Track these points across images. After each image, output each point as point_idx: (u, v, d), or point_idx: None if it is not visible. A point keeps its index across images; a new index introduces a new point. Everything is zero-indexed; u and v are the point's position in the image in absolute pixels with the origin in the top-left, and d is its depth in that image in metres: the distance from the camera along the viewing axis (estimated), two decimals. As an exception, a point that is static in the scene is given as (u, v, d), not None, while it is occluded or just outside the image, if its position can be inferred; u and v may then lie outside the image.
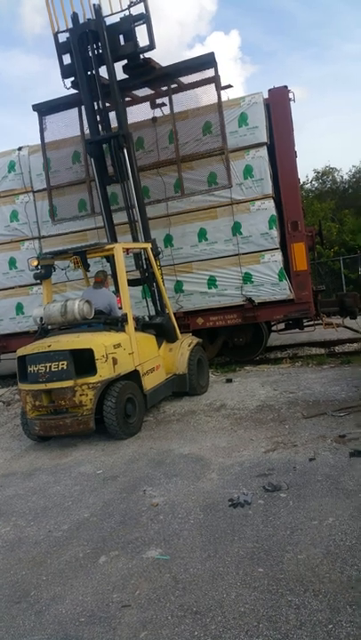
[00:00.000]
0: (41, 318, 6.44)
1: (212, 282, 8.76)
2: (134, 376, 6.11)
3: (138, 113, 8.80)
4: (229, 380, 7.84)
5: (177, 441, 5.46)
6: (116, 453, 5.36)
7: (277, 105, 8.43)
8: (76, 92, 7.86)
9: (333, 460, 4.37)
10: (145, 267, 7.27)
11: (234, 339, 9.21)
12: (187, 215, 8.77)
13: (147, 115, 8.82)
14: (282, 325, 9.69)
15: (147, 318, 7.25)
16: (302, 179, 19.12)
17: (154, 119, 8.75)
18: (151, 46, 7.35)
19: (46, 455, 5.69)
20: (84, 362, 5.59)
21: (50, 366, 5.58)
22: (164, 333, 7.15)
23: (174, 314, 8.42)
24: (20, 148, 9.50)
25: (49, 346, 5.72)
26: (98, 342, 5.64)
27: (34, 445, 6.15)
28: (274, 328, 9.79)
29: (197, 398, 7.04)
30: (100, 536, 3.67)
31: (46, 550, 3.61)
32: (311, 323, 9.36)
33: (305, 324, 9.29)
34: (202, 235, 8.73)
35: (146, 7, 7.23)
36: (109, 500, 4.26)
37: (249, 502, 3.83)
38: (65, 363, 5.54)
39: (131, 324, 6.17)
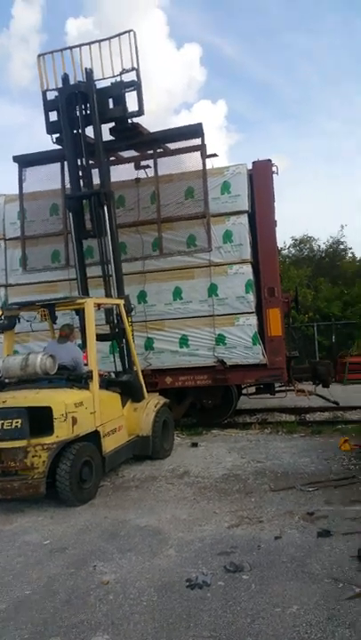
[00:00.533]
0: None
1: (183, 341, 8.66)
2: (94, 437, 5.79)
3: (121, 172, 9.02)
4: (195, 444, 7.59)
5: (134, 510, 5.12)
6: (67, 522, 4.96)
7: (260, 176, 8.73)
8: (59, 147, 7.98)
9: (300, 539, 4.14)
10: (116, 322, 7.13)
11: (202, 400, 9.02)
12: (163, 273, 8.80)
13: (130, 174, 9.04)
14: (253, 389, 9.55)
15: (113, 375, 7.04)
16: (280, 244, 19.75)
17: (137, 180, 8.94)
18: (140, 112, 7.61)
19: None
20: (40, 420, 5.28)
21: (2, 424, 5.24)
22: (130, 392, 6.91)
23: (142, 371, 8.25)
24: None
25: (4, 402, 5.44)
26: (58, 400, 5.38)
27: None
28: (244, 391, 9.65)
29: (160, 463, 6.74)
30: (42, 618, 3.29)
31: (-22, 635, 3.20)
32: (283, 388, 9.26)
33: (276, 389, 9.18)
34: (177, 293, 8.73)
35: (138, 75, 7.53)
36: (55, 575, 3.87)
37: (208, 584, 3.53)
38: (19, 421, 5.21)
39: (95, 382, 5.94)
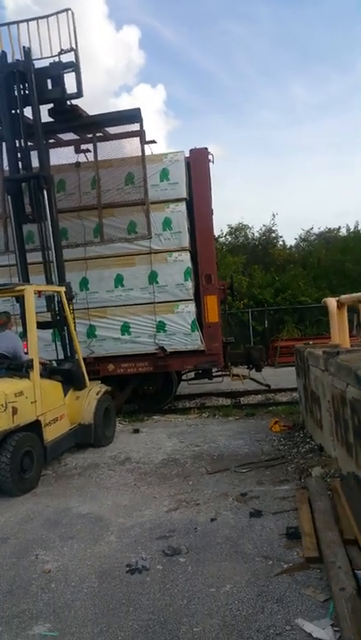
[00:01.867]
0: None
1: (125, 328, 8.74)
2: (35, 427, 5.76)
3: (62, 156, 8.87)
4: (136, 431, 7.75)
5: (76, 498, 5.20)
6: (9, 511, 4.97)
7: (197, 164, 8.85)
8: None
9: (234, 520, 4.38)
10: (57, 310, 7.07)
11: (144, 387, 9.17)
12: (105, 260, 8.80)
13: (71, 158, 8.92)
14: (191, 375, 9.82)
15: (54, 363, 6.99)
16: (217, 232, 20.00)
17: (77, 164, 8.81)
18: (79, 94, 7.50)
19: None
20: None
21: None
22: (71, 380, 6.90)
23: (84, 359, 8.23)
24: None
25: None
26: None
27: None
28: (184, 377, 9.89)
29: (102, 450, 6.84)
30: (-17, 610, 3.35)
31: None
32: (220, 373, 9.58)
33: (214, 374, 9.50)
34: (119, 281, 8.76)
35: (76, 56, 7.40)
36: (-3, 565, 3.92)
37: (147, 568, 3.71)
38: None
39: (36, 371, 5.89)
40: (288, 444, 6.46)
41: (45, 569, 3.79)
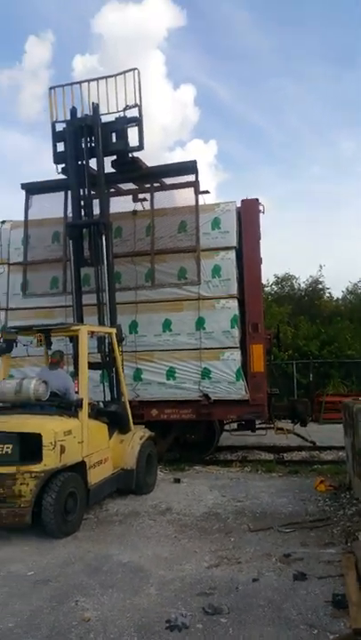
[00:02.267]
0: None
1: (171, 373, 8.77)
2: (80, 468, 5.71)
3: (120, 204, 9.25)
4: (177, 480, 7.63)
5: (117, 546, 5.13)
6: (51, 553, 4.96)
7: (248, 214, 9.02)
8: (64, 177, 8.22)
9: (277, 582, 4.21)
10: (107, 351, 7.18)
11: (186, 435, 9.09)
12: (155, 304, 8.95)
13: (128, 206, 9.26)
14: (234, 425, 9.66)
15: (101, 404, 7.03)
16: (264, 281, 20.02)
17: (134, 212, 9.17)
18: (140, 147, 7.91)
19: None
20: (29, 447, 5.24)
21: None
22: (117, 422, 6.88)
23: (130, 402, 8.28)
24: (3, 222, 9.79)
25: None
26: (48, 427, 5.35)
27: None
28: (226, 427, 9.75)
29: (143, 498, 6.74)
30: (23, 653, 3.32)
31: None
32: (263, 426, 9.39)
33: (257, 426, 9.32)
34: (167, 325, 8.88)
35: (140, 112, 7.84)
36: (38, 608, 3.88)
37: (187, 625, 3.59)
38: (10, 446, 5.19)
39: (85, 411, 5.92)
40: (334, 505, 6.21)
41: (85, 617, 3.73)
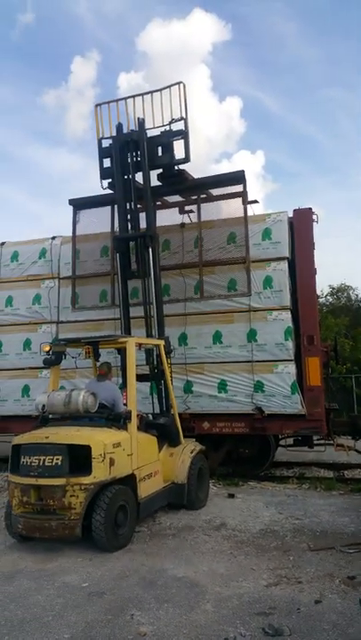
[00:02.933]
0: (43, 405, 6.09)
1: (222, 386, 8.62)
2: (130, 481, 5.61)
3: (167, 217, 9.31)
4: (232, 496, 7.38)
5: (171, 560, 4.98)
6: (105, 565, 4.87)
7: (301, 224, 8.82)
8: (110, 192, 8.33)
9: (341, 605, 3.94)
10: (155, 363, 7.14)
11: (239, 449, 8.86)
12: (204, 316, 8.86)
13: (175, 219, 9.30)
14: (290, 441, 9.34)
15: (150, 417, 6.95)
16: (318, 293, 19.52)
17: (182, 225, 9.20)
18: (186, 159, 7.88)
19: (30, 557, 5.16)
20: (78, 459, 5.20)
21: (44, 460, 5.19)
22: (167, 435, 6.76)
23: (180, 415, 8.14)
24: (53, 238, 10.04)
25: (46, 437, 5.40)
26: (97, 439, 5.30)
27: (18, 543, 5.60)
28: (282, 443, 9.44)
29: (196, 512, 6.55)
30: (79, 666, 3.24)
31: None
32: (322, 442, 9.01)
33: (315, 442, 8.96)
34: (217, 337, 8.75)
35: (185, 125, 7.84)
36: (93, 620, 3.79)
37: (246, 646, 3.41)
38: (60, 458, 5.15)
39: (134, 423, 5.84)
40: None
41: (141, 631, 3.61)
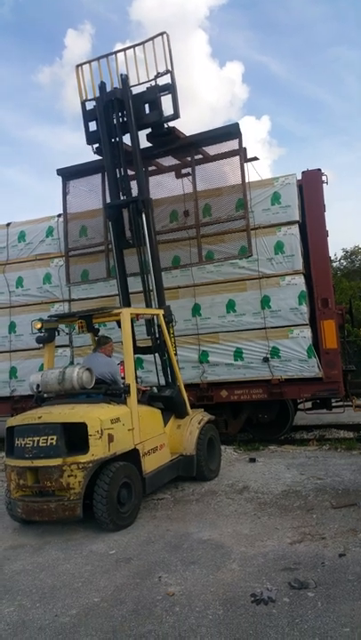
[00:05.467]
0: (38, 385, 5.84)
1: (238, 354, 8.62)
2: (133, 456, 5.43)
3: (170, 186, 8.87)
4: (253, 460, 7.47)
5: (195, 524, 5.09)
6: (131, 533, 5.00)
7: (310, 186, 8.64)
8: (100, 158, 7.88)
9: (366, 557, 4.02)
10: (157, 334, 6.87)
11: (258, 415, 8.91)
12: (216, 286, 8.81)
13: (179, 188, 8.76)
14: (309, 404, 9.37)
15: (155, 389, 6.79)
16: (331, 256, 19.18)
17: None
18: (176, 115, 7.38)
19: (56, 528, 5.30)
20: (77, 438, 5.02)
21: (38, 441, 5.00)
22: (172, 407, 6.57)
23: (197, 384, 8.18)
24: (59, 215, 9.64)
25: (39, 417, 5.20)
26: (93, 416, 5.06)
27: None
28: (300, 407, 9.48)
29: (219, 478, 6.64)
30: (111, 625, 3.34)
31: (51, 638, 3.29)
32: (340, 404, 9.02)
33: (333, 404, 8.97)
34: (231, 306, 8.72)
35: (172, 78, 7.31)
36: (122, 584, 3.92)
37: (273, 600, 3.49)
38: (55, 438, 4.96)
39: (133, 397, 5.61)
40: None
41: (169, 592, 3.72)
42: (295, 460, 7.35)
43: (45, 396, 5.89)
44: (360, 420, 9.86)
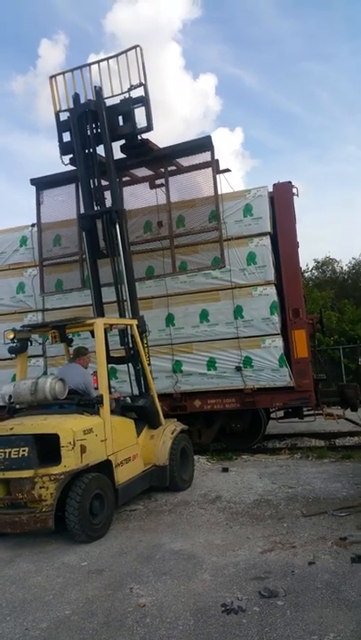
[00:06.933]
0: (10, 396, 5.82)
1: (211, 363, 8.70)
2: (105, 467, 5.41)
3: (144, 197, 8.98)
4: (226, 470, 7.52)
5: (168, 535, 5.10)
6: (103, 544, 4.99)
7: (281, 198, 8.80)
8: (74, 168, 7.91)
9: (334, 565, 4.09)
10: (131, 344, 6.87)
11: (231, 424, 8.97)
12: (190, 296, 8.88)
13: (154, 199, 8.90)
14: (281, 413, 9.49)
15: (128, 399, 6.79)
16: (302, 267, 19.56)
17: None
18: (149, 128, 7.49)
19: (28, 541, 5.25)
20: (49, 449, 5.00)
21: (9, 452, 4.96)
22: (146, 417, 6.59)
23: (171, 394, 8.19)
24: (33, 225, 9.65)
25: (11, 429, 5.14)
26: (65, 427, 5.04)
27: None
28: (273, 415, 9.60)
29: (192, 488, 6.68)
30: (81, 639, 3.33)
31: (20, 653, 3.28)
32: (311, 412, 9.17)
33: (305, 413, 9.12)
34: (204, 316, 8.79)
35: (145, 91, 7.42)
36: (93, 596, 3.91)
37: (243, 609, 3.53)
38: (26, 449, 4.93)
39: (106, 407, 5.60)
40: (390, 487, 5.99)
41: (140, 603, 3.73)
42: (267, 469, 7.43)
43: (18, 407, 5.85)
44: (331, 428, 10.04)
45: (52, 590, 4.09)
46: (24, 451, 4.96)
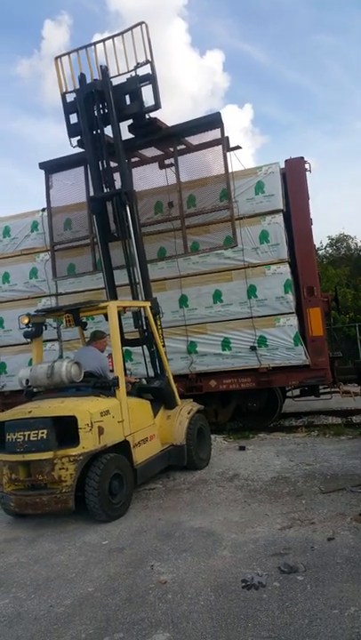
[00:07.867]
0: (27, 380, 5.89)
1: (226, 344, 8.68)
2: (123, 448, 5.48)
3: (156, 178, 8.85)
4: (243, 448, 7.56)
5: (187, 513, 5.16)
6: (123, 523, 5.06)
7: (294, 174, 8.66)
8: (82, 150, 7.83)
9: (354, 540, 4.09)
10: (145, 326, 6.89)
11: (247, 404, 8.99)
12: (203, 277, 8.83)
13: (163, 179, 8.77)
14: (297, 391, 9.48)
15: (144, 381, 6.86)
16: (316, 244, 19.32)
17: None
18: (157, 106, 7.33)
19: (50, 521, 5.36)
20: (67, 431, 5.05)
21: (29, 435, 5.04)
22: (162, 398, 6.64)
23: (186, 375, 8.20)
24: (43, 209, 9.56)
25: (29, 412, 5.23)
26: (82, 409, 5.10)
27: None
28: (289, 394, 9.58)
29: (209, 466, 6.73)
30: (105, 614, 3.40)
31: (46, 628, 3.33)
32: (328, 390, 9.14)
33: (321, 391, 9.09)
34: (217, 296, 8.75)
35: (152, 68, 7.24)
36: (115, 573, 3.98)
37: (264, 584, 3.56)
38: (45, 432, 5.00)
39: (122, 389, 5.66)
40: None
41: (161, 580, 3.78)
42: (284, 447, 7.44)
43: (35, 390, 5.93)
44: (348, 405, 10.00)
45: (75, 568, 4.17)
46: (43, 433, 5.03)
